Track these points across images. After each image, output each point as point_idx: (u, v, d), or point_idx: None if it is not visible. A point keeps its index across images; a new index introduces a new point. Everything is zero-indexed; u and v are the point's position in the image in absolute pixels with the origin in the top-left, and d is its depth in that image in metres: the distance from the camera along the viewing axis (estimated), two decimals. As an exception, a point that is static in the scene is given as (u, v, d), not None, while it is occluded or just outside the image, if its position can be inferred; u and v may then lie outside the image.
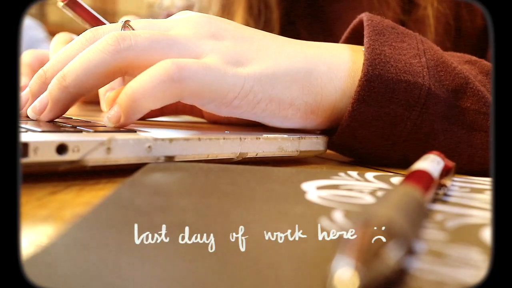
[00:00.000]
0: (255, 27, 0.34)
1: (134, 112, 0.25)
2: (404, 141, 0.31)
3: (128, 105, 0.24)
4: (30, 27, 1.66)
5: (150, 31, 0.27)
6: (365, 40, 0.30)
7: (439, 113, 0.31)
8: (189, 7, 0.63)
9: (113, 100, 0.29)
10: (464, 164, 0.32)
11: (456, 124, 0.31)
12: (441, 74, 0.31)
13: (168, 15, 0.67)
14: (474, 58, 0.34)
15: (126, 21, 0.29)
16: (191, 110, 0.39)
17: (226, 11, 0.56)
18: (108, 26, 0.29)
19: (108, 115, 0.25)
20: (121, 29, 0.28)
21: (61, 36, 0.44)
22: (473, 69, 0.33)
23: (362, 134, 0.31)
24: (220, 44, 0.28)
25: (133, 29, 0.28)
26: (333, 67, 0.30)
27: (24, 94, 0.28)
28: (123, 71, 0.27)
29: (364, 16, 0.32)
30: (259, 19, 0.53)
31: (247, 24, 0.52)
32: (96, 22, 0.41)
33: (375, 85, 0.29)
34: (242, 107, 0.28)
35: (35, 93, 0.28)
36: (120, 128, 0.25)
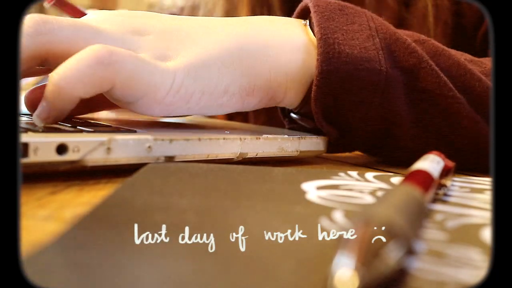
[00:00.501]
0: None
1: (63, 102, 0.23)
2: (372, 127, 0.31)
3: (55, 95, 0.22)
4: None
5: (73, 19, 0.25)
6: (316, 29, 0.29)
7: (400, 96, 0.30)
8: (191, 8, 0.63)
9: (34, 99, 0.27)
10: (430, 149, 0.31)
11: (416, 106, 0.31)
12: (395, 54, 0.30)
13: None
14: (422, 37, 0.33)
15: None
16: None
17: (229, 16, 0.56)
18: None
19: (36, 112, 0.23)
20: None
21: None
22: (422, 49, 0.32)
23: (327, 121, 0.30)
24: (145, 39, 0.26)
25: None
26: (266, 45, 0.29)
27: None
28: (43, 58, 0.24)
29: (309, 1, 0.31)
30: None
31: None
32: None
33: (332, 79, 0.28)
34: (175, 103, 0.26)
35: None
36: (53, 122, 0.23)
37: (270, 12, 0.54)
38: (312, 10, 0.30)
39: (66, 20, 0.24)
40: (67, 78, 0.22)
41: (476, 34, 0.46)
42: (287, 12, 0.55)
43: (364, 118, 0.30)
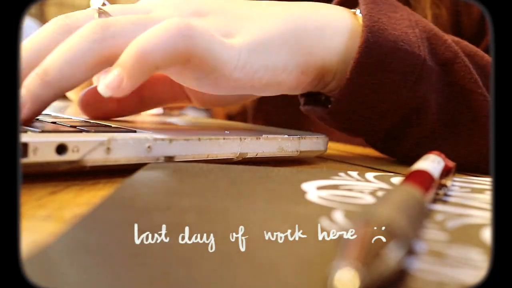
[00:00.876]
0: None
1: (142, 71, 0.23)
2: (398, 109, 0.31)
3: (135, 63, 0.22)
4: (30, 26, 1.66)
5: (133, 16, 0.25)
6: (362, 7, 0.30)
7: (432, 84, 0.31)
8: None
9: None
10: (448, 146, 0.32)
11: (445, 98, 0.31)
12: (432, 46, 0.31)
13: None
14: (456, 38, 0.34)
15: (100, 8, 0.26)
16: (176, 95, 0.37)
17: None
18: (80, 12, 0.26)
19: (105, 80, 0.22)
20: (98, 16, 0.26)
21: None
22: (457, 46, 0.33)
23: (359, 100, 0.30)
24: (206, 20, 0.27)
25: (110, 15, 0.26)
26: (321, 26, 0.30)
27: None
28: (110, 61, 0.24)
29: None
30: None
31: None
32: None
33: (374, 52, 0.29)
34: (241, 80, 0.27)
35: None
36: (122, 94, 0.22)
37: None
38: None
39: (127, 19, 0.25)
40: (150, 45, 0.22)
41: (474, 27, 0.46)
42: None
43: (393, 101, 0.31)
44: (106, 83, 0.22)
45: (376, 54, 0.29)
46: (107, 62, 0.24)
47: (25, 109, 0.23)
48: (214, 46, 0.25)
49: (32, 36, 0.25)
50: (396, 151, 0.35)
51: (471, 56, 0.32)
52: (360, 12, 0.31)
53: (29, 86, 0.23)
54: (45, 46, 0.24)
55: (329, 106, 0.32)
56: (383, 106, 0.31)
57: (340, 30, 0.30)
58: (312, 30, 0.29)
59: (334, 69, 0.30)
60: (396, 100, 0.31)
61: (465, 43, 0.33)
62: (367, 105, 0.31)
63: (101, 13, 0.26)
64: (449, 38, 0.33)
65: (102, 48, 0.24)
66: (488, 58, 0.32)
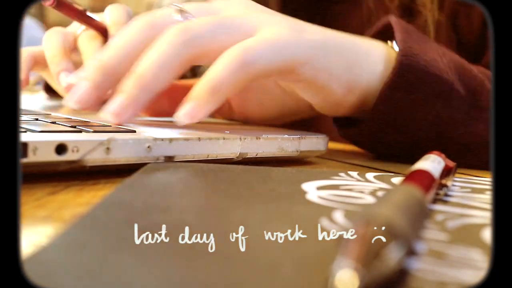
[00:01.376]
0: None
1: (216, 103, 0.26)
2: (426, 130, 0.33)
3: (210, 97, 0.25)
4: (30, 26, 1.66)
5: (209, 18, 0.28)
6: (397, 34, 0.32)
7: (460, 108, 0.33)
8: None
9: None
10: (482, 159, 0.33)
11: (476, 119, 0.33)
12: (460, 74, 0.33)
13: None
14: (482, 68, 0.36)
15: (179, 7, 0.29)
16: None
17: None
18: (162, 12, 0.29)
19: (181, 112, 0.25)
20: (180, 16, 0.29)
21: (53, 30, 0.43)
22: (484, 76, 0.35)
23: (389, 120, 0.32)
24: (274, 17, 0.29)
25: (191, 14, 0.29)
26: (369, 52, 0.32)
27: (83, 84, 0.27)
28: (193, 60, 0.27)
29: (391, 18, 0.35)
30: None
31: None
32: (86, 20, 0.41)
33: (407, 73, 0.31)
34: (305, 74, 0.29)
35: (99, 84, 0.27)
36: (194, 121, 0.25)
37: None
38: (394, 24, 0.34)
39: (204, 21, 0.27)
40: (219, 84, 0.25)
41: (478, 51, 0.47)
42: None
43: (420, 122, 0.33)
44: (184, 113, 0.25)
45: (408, 76, 0.31)
46: (191, 61, 0.27)
47: (127, 112, 0.26)
48: (276, 51, 0.27)
49: (122, 34, 0.28)
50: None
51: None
52: (394, 41, 0.34)
53: (129, 91, 0.26)
54: (137, 43, 0.27)
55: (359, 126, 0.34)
56: (411, 126, 0.33)
57: (382, 57, 0.33)
58: (360, 53, 0.32)
59: (372, 97, 0.32)
60: (424, 121, 0.33)
61: (489, 73, 0.35)
62: (395, 124, 0.33)
63: (180, 11, 0.29)
64: (475, 68, 0.35)
65: (186, 51, 0.26)
66: None
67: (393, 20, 0.34)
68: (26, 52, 0.44)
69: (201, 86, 0.25)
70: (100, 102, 0.28)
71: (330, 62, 0.30)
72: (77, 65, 0.44)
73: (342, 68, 0.31)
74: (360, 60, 0.32)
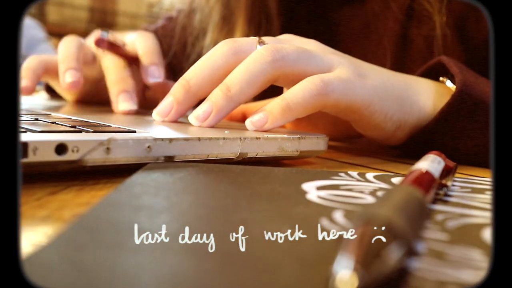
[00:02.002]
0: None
1: (285, 120, 0.29)
2: (474, 155, 0.35)
3: (283, 113, 0.29)
4: (30, 26, 1.66)
5: (294, 46, 0.31)
6: (454, 68, 0.35)
7: None
8: (189, 12, 0.63)
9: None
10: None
11: None
12: None
13: (163, 27, 0.68)
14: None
15: (260, 38, 0.33)
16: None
17: (226, 21, 0.56)
18: (246, 40, 0.33)
19: (252, 119, 0.29)
20: (258, 44, 0.33)
21: (71, 40, 0.44)
22: None
23: (439, 139, 0.35)
24: (343, 59, 0.33)
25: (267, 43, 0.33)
26: (419, 91, 0.35)
27: (168, 102, 0.31)
28: (276, 80, 0.30)
29: (443, 57, 0.37)
30: (259, 29, 0.54)
31: (247, 35, 0.54)
32: (124, 54, 0.44)
33: (466, 99, 0.34)
34: (363, 114, 0.32)
35: (181, 101, 0.31)
36: (261, 130, 0.29)
37: (267, 19, 0.55)
38: (447, 61, 0.36)
39: (290, 47, 0.31)
40: (294, 104, 0.29)
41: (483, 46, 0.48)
42: (284, 19, 0.55)
43: (469, 148, 0.35)
44: (253, 120, 0.29)
45: (466, 102, 0.34)
46: (273, 80, 0.30)
47: (210, 118, 0.30)
48: (347, 91, 0.31)
49: (207, 57, 0.31)
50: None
51: None
52: (448, 78, 0.37)
53: (215, 99, 0.29)
54: (220, 67, 0.31)
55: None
56: (460, 148, 0.35)
57: (432, 95, 0.36)
58: (411, 93, 0.35)
59: (422, 131, 0.35)
60: (471, 148, 0.35)
61: None
62: (444, 146, 0.34)
63: (261, 42, 0.32)
64: None
65: (272, 69, 0.29)
66: None
67: (445, 59, 0.37)
68: (37, 60, 0.44)
69: (278, 102, 0.29)
70: (180, 116, 0.32)
71: (386, 105, 0.33)
72: (87, 79, 0.45)
73: (396, 109, 0.34)
74: (412, 99, 0.35)
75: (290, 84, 0.30)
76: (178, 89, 0.31)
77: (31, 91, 0.41)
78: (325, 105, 0.30)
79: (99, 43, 0.43)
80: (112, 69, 0.43)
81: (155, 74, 0.44)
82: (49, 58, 0.45)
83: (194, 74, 0.31)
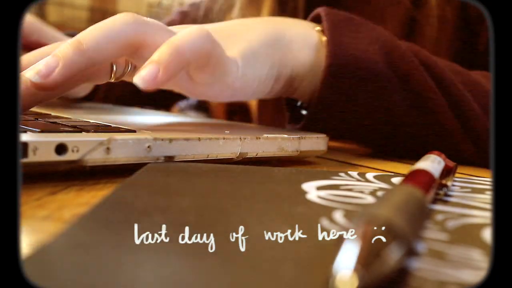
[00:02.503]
0: (282, 15, 0.41)
1: (176, 66, 0.25)
2: (367, 112, 0.36)
3: (171, 58, 0.24)
4: None
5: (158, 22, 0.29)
6: (326, 33, 0.35)
7: (394, 90, 0.35)
8: (192, 6, 0.63)
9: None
10: (417, 142, 0.37)
11: (407, 101, 0.36)
12: (390, 59, 0.35)
13: (170, 23, 0.68)
14: (417, 47, 0.38)
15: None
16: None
17: (226, 14, 0.56)
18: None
19: (142, 73, 0.23)
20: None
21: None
22: (416, 57, 0.37)
23: (330, 108, 0.35)
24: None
25: None
26: (292, 41, 0.35)
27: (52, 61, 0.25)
28: (136, 47, 0.27)
29: (322, 10, 0.37)
30: (286, 5, 0.54)
31: (273, 12, 0.54)
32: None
33: (337, 73, 0.34)
34: (239, 88, 0.31)
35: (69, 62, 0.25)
36: (156, 87, 0.24)
37: (259, 14, 0.55)
38: (323, 19, 0.36)
39: (152, 20, 0.28)
40: (183, 43, 0.25)
41: (479, 41, 0.48)
42: (278, 13, 0.56)
43: (364, 104, 0.35)
44: (143, 75, 0.23)
45: (338, 73, 0.34)
46: (134, 47, 0.27)
47: (55, 72, 0.24)
48: (222, 54, 0.29)
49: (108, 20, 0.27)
50: (384, 150, 0.40)
51: (427, 65, 0.36)
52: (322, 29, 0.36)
53: (61, 52, 0.24)
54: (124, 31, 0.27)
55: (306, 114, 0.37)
56: (350, 115, 0.36)
57: (307, 43, 0.35)
58: (284, 43, 0.34)
59: (301, 78, 0.36)
60: (360, 109, 0.36)
61: (424, 53, 0.38)
62: (337, 115, 0.36)
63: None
64: (408, 49, 0.37)
65: (134, 31, 0.26)
66: (441, 64, 0.38)
67: (323, 13, 0.36)
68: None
69: (164, 47, 0.25)
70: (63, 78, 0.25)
71: (259, 69, 0.33)
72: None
73: (270, 67, 0.33)
74: (287, 52, 0.34)
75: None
76: (66, 48, 0.25)
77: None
78: (212, 54, 0.27)
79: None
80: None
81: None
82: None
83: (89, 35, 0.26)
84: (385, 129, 0.37)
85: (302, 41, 0.35)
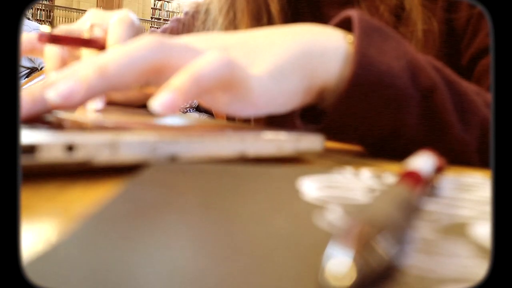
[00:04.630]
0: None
1: (194, 93, 0.25)
2: (383, 131, 0.36)
3: (190, 85, 0.25)
4: (29, 27, 1.67)
5: (179, 41, 0.29)
6: (356, 40, 0.34)
7: (412, 109, 0.35)
8: (195, 13, 0.63)
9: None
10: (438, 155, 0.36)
11: (428, 119, 0.35)
12: (415, 76, 0.35)
13: (167, 30, 0.69)
14: (440, 65, 0.37)
15: None
16: None
17: (231, 25, 0.57)
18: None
19: (159, 99, 0.24)
20: None
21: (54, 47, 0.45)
22: (438, 75, 0.36)
23: (347, 121, 0.35)
24: (230, 53, 0.31)
25: None
26: (322, 52, 0.34)
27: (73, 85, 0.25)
28: (158, 71, 0.27)
29: (355, 14, 0.35)
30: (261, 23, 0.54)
31: None
32: (85, 44, 0.43)
33: (361, 84, 0.33)
34: (263, 104, 0.31)
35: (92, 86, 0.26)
36: (172, 112, 0.24)
37: (269, 21, 0.56)
38: (355, 25, 0.35)
39: (178, 41, 0.29)
40: (203, 71, 0.26)
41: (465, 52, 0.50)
42: (286, 20, 0.56)
43: (374, 124, 0.35)
44: (161, 102, 0.24)
45: (363, 86, 0.33)
46: (156, 71, 0.27)
47: (77, 97, 0.25)
48: (247, 75, 0.29)
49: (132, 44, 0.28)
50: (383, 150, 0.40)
51: (450, 83, 0.36)
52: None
53: (85, 76, 0.25)
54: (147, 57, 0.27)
55: (321, 124, 0.36)
56: (365, 127, 0.35)
57: (338, 56, 0.34)
58: (314, 55, 0.33)
59: (332, 89, 0.35)
60: (377, 123, 0.35)
61: (448, 71, 0.37)
62: (353, 125, 0.35)
63: None
64: (430, 65, 0.36)
65: (156, 56, 0.27)
66: (465, 85, 0.37)
67: (356, 18, 0.35)
68: (23, 37, 0.45)
69: (184, 75, 0.25)
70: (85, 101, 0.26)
71: (286, 83, 0.32)
72: None
73: (299, 80, 0.33)
74: (318, 64, 0.34)
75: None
76: (90, 73, 0.25)
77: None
78: (232, 80, 0.28)
79: (41, 38, 0.41)
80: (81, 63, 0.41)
81: None
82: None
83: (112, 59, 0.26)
84: (396, 143, 0.36)
85: (333, 53, 0.34)
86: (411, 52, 0.36)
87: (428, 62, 0.36)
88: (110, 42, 0.44)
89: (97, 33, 0.44)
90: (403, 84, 0.34)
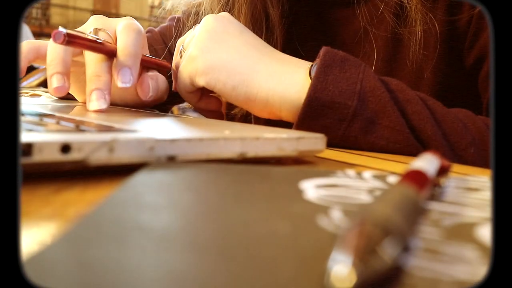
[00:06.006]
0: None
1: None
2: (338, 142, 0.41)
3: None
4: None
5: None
6: (316, 70, 0.40)
7: (362, 128, 0.40)
8: (190, 14, 0.63)
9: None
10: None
11: (377, 137, 0.40)
12: (369, 98, 0.40)
13: (165, 28, 0.69)
14: (400, 86, 0.42)
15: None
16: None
17: None
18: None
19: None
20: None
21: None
22: (393, 97, 0.41)
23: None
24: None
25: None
26: (288, 82, 0.43)
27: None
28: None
29: (322, 50, 0.42)
30: (261, 36, 0.55)
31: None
32: (98, 49, 0.43)
33: (314, 104, 0.40)
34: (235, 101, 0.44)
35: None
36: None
37: (268, 27, 0.56)
38: (319, 57, 0.41)
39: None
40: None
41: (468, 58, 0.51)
42: (285, 26, 0.56)
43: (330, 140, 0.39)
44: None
45: (315, 105, 0.40)
46: None
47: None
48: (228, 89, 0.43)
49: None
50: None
51: (405, 101, 0.40)
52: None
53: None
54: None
55: None
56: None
57: (291, 83, 0.42)
58: (277, 77, 0.42)
59: (278, 106, 0.43)
60: (332, 141, 0.39)
61: (404, 90, 0.41)
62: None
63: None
64: (385, 89, 0.40)
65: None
66: (445, 111, 0.41)
67: (322, 52, 0.41)
68: (29, 45, 0.46)
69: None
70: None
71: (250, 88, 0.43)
72: (76, 73, 0.46)
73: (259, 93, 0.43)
74: (267, 88, 0.42)
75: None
76: None
77: (21, 73, 0.43)
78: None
79: (55, 37, 0.40)
80: (89, 64, 0.43)
81: (124, 79, 0.42)
82: (41, 43, 0.46)
83: None
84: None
85: (289, 81, 0.42)
86: (370, 78, 0.41)
87: (393, 84, 0.41)
88: (120, 48, 0.44)
89: (102, 37, 0.45)
90: (353, 104, 0.40)
